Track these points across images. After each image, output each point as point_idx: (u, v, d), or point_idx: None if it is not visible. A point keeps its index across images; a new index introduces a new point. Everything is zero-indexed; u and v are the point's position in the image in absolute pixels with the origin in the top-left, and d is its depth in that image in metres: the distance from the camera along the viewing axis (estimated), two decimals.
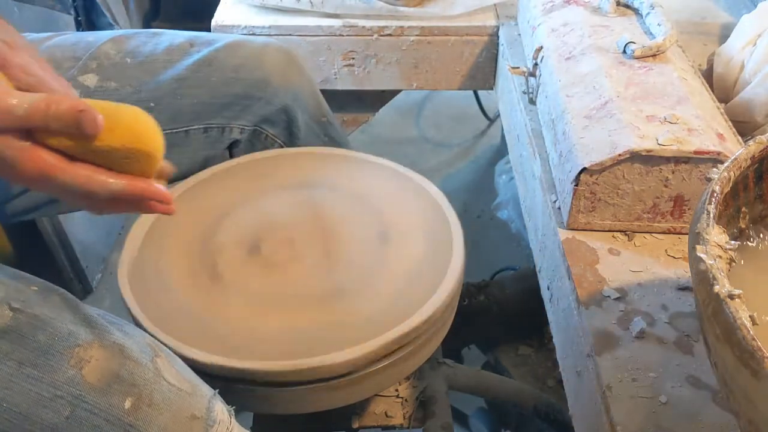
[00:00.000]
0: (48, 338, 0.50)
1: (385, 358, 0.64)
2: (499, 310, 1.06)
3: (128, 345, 0.52)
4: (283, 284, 0.69)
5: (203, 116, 0.83)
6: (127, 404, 0.50)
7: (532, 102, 0.81)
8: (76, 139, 0.49)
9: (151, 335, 0.59)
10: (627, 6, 0.83)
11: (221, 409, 0.55)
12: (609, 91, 0.68)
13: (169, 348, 0.59)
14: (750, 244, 0.45)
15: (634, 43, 0.73)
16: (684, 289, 0.58)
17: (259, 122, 0.86)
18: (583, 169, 0.61)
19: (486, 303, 1.06)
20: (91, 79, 0.77)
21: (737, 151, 0.42)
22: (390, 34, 1.02)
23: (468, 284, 1.07)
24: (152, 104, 0.79)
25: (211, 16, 1.03)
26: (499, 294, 1.07)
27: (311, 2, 1.01)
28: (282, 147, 0.89)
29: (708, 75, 0.80)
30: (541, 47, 0.80)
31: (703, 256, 0.36)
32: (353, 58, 1.04)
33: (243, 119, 0.85)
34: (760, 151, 0.43)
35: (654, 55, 0.72)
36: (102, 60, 0.79)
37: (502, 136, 1.66)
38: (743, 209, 0.44)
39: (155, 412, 0.51)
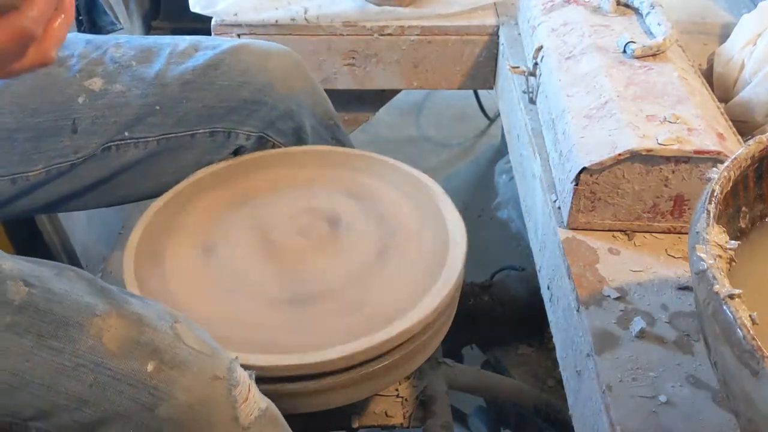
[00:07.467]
0: (65, 311, 0.50)
1: (385, 357, 0.64)
2: (503, 311, 1.06)
3: (146, 314, 0.53)
4: (286, 280, 0.69)
5: (209, 120, 0.82)
6: (150, 368, 0.51)
7: (532, 101, 0.81)
8: None
9: None
10: (627, 5, 0.82)
11: (242, 372, 0.56)
12: (609, 90, 0.68)
13: None
14: (750, 243, 0.45)
15: (634, 42, 0.73)
16: (684, 288, 0.58)
17: (264, 128, 0.85)
18: (583, 169, 0.61)
19: (490, 303, 1.06)
20: (96, 83, 0.77)
21: (737, 150, 0.42)
22: (390, 34, 1.02)
23: (472, 284, 1.07)
24: (158, 107, 0.79)
25: (212, 16, 1.03)
26: (504, 295, 1.07)
27: (306, 19, 1.01)
28: None
29: (708, 75, 0.80)
30: (541, 47, 0.80)
31: (703, 255, 0.36)
32: (353, 58, 1.04)
33: (249, 125, 0.84)
34: (760, 151, 0.43)
35: (654, 55, 0.72)
36: (107, 65, 0.79)
37: (502, 136, 1.65)
38: (743, 209, 0.44)
39: (178, 374, 0.52)
